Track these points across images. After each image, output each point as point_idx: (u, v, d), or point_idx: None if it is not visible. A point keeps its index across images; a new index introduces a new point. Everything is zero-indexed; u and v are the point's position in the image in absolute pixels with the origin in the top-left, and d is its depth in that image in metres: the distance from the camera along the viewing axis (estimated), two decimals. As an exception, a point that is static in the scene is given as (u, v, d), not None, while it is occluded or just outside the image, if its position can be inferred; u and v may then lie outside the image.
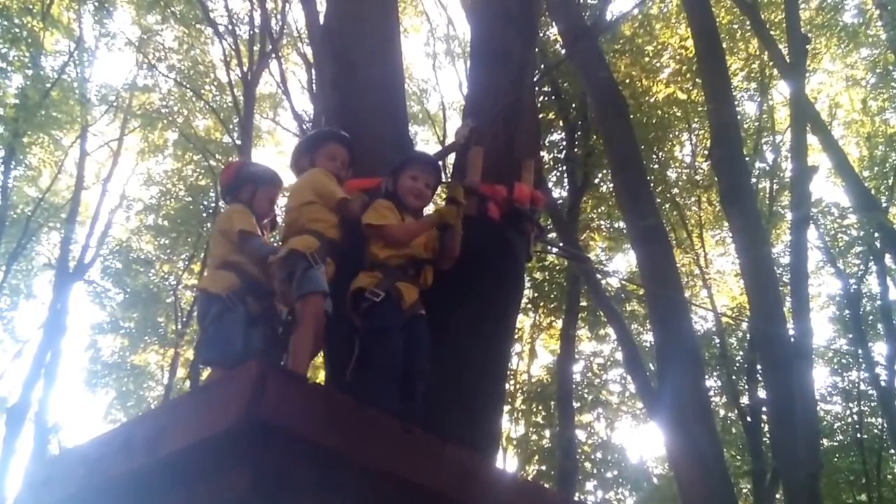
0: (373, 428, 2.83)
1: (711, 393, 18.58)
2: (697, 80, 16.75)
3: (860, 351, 19.47)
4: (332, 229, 4.02)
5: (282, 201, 6.82)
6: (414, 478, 2.85)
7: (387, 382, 3.57)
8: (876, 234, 16.42)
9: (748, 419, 18.59)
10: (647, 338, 19.49)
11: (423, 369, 3.73)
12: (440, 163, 5.01)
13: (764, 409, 17.28)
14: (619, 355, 18.94)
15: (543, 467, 20.12)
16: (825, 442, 19.96)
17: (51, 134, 22.22)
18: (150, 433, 2.76)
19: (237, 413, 2.47)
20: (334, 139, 4.40)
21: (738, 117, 15.03)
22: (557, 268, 18.92)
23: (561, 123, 18.62)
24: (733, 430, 20.96)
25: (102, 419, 26.28)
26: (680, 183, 21.28)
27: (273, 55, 20.69)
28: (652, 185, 14.20)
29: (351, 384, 3.63)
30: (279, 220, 4.93)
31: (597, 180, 18.92)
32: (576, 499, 15.33)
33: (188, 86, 23.24)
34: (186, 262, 24.35)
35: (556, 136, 18.95)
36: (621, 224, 17.85)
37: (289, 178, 4.94)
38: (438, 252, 4.07)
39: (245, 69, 20.55)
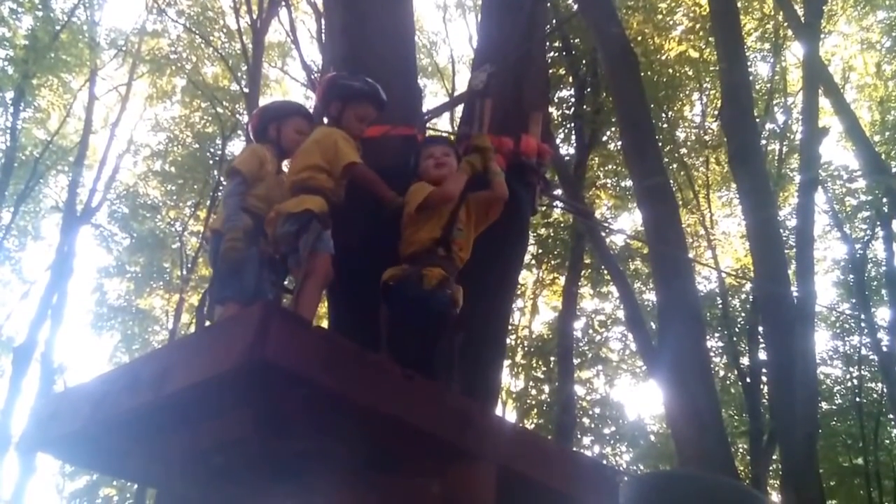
0: (374, 372, 2.86)
1: (712, 353, 18.64)
2: (710, 38, 16.58)
3: (863, 316, 19.48)
4: (336, 195, 3.99)
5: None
6: (414, 422, 2.89)
7: (412, 338, 3.60)
8: (884, 199, 16.35)
9: (747, 380, 18.71)
10: (649, 296, 19.54)
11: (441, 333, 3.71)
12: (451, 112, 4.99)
13: (763, 370, 17.37)
14: (620, 313, 18.99)
15: (541, 421, 20.27)
16: (824, 405, 20.08)
17: (60, 76, 22.19)
18: (156, 371, 2.80)
19: (241, 353, 2.50)
20: (370, 101, 4.28)
21: (751, 78, 14.88)
22: (562, 224, 18.93)
23: (570, 79, 18.49)
24: (732, 391, 21.07)
25: (107, 361, 26.60)
26: (688, 143, 21.18)
27: (282, 3, 20.53)
28: (660, 144, 14.11)
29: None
30: None
31: (605, 138, 18.83)
32: (573, 450, 15.45)
33: (197, 32, 23.09)
34: (192, 209, 24.43)
35: (565, 93, 18.84)
36: (628, 182, 17.82)
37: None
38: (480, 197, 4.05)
39: (254, 17, 20.42)
